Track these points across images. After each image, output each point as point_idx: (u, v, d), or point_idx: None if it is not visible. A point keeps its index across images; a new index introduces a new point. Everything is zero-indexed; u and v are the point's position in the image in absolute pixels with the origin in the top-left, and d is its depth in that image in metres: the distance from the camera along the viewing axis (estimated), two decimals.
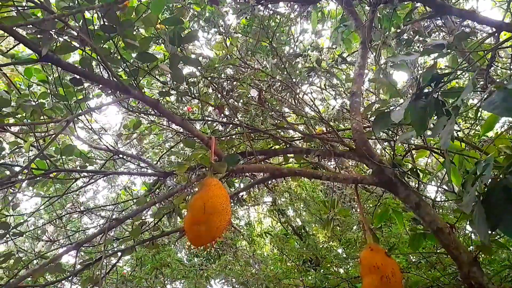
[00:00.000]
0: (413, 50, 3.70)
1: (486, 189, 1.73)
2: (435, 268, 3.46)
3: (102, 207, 4.19)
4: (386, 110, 2.33)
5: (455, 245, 2.37)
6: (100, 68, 2.71)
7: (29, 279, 3.58)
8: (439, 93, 1.83)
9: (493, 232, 2.47)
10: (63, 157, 2.73)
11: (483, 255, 3.05)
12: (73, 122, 2.41)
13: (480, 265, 2.30)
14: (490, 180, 1.73)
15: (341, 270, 5.36)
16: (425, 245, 3.18)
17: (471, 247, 3.12)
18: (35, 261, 3.13)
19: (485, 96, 1.44)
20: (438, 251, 3.41)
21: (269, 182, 5.82)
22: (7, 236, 2.66)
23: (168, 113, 2.36)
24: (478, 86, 2.55)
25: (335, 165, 4.76)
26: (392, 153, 2.74)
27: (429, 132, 1.96)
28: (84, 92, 2.52)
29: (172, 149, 3.68)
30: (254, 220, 7.99)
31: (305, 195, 5.38)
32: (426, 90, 1.85)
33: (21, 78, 2.88)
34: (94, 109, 2.41)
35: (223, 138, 3.24)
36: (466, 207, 1.59)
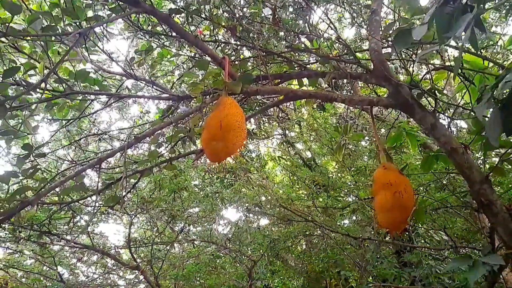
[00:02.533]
0: None
1: (505, 98, 1.66)
2: (445, 189, 3.54)
3: (119, 131, 4.28)
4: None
5: (468, 165, 2.37)
6: None
7: (55, 198, 3.81)
8: None
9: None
10: (77, 81, 2.73)
11: (494, 176, 3.08)
12: (85, 39, 2.35)
13: (491, 183, 2.33)
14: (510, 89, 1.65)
15: (350, 199, 5.55)
16: (436, 168, 3.21)
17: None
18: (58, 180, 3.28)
19: None
20: (449, 173, 3.45)
21: (282, 107, 5.82)
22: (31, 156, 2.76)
23: (180, 29, 2.28)
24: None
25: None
26: (410, 74, 2.66)
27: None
28: (93, 6, 2.43)
29: (184, 74, 3.63)
30: (264, 155, 8.15)
31: (316, 125, 5.40)
32: None
33: None
34: (105, 22, 2.34)
35: (236, 62, 3.16)
36: (480, 111, 1.55)
